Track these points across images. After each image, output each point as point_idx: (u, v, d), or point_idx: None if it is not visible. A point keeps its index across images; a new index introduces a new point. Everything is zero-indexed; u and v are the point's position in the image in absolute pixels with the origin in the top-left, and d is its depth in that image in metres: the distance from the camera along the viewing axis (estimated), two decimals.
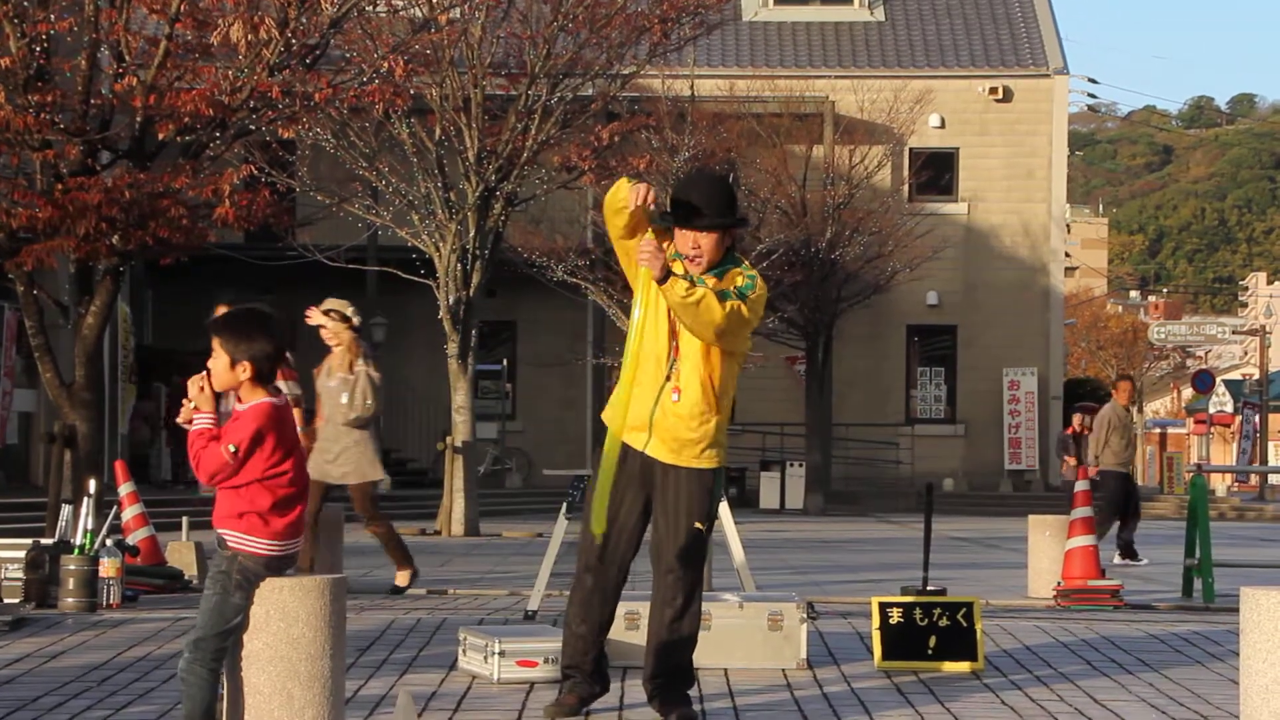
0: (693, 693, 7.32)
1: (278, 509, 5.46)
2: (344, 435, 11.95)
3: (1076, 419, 27.13)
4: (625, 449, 6.49)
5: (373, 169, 22.38)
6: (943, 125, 37.60)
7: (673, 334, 6.42)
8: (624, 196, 6.31)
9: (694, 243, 6.43)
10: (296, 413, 11.46)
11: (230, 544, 5.45)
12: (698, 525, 6.48)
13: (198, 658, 5.46)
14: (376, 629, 9.52)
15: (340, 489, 12.29)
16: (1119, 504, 17.54)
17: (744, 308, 6.34)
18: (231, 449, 5.42)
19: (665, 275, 6.28)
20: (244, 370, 5.49)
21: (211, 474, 5.47)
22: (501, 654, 7.51)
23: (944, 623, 8.13)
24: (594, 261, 27.46)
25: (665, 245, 6.43)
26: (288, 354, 11.64)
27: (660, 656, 6.50)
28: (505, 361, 34.51)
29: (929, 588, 11.46)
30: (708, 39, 32.58)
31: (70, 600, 10.32)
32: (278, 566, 5.48)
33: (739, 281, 6.43)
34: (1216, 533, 14.35)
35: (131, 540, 12.03)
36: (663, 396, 6.42)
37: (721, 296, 6.28)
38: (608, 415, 6.58)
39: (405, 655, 8.47)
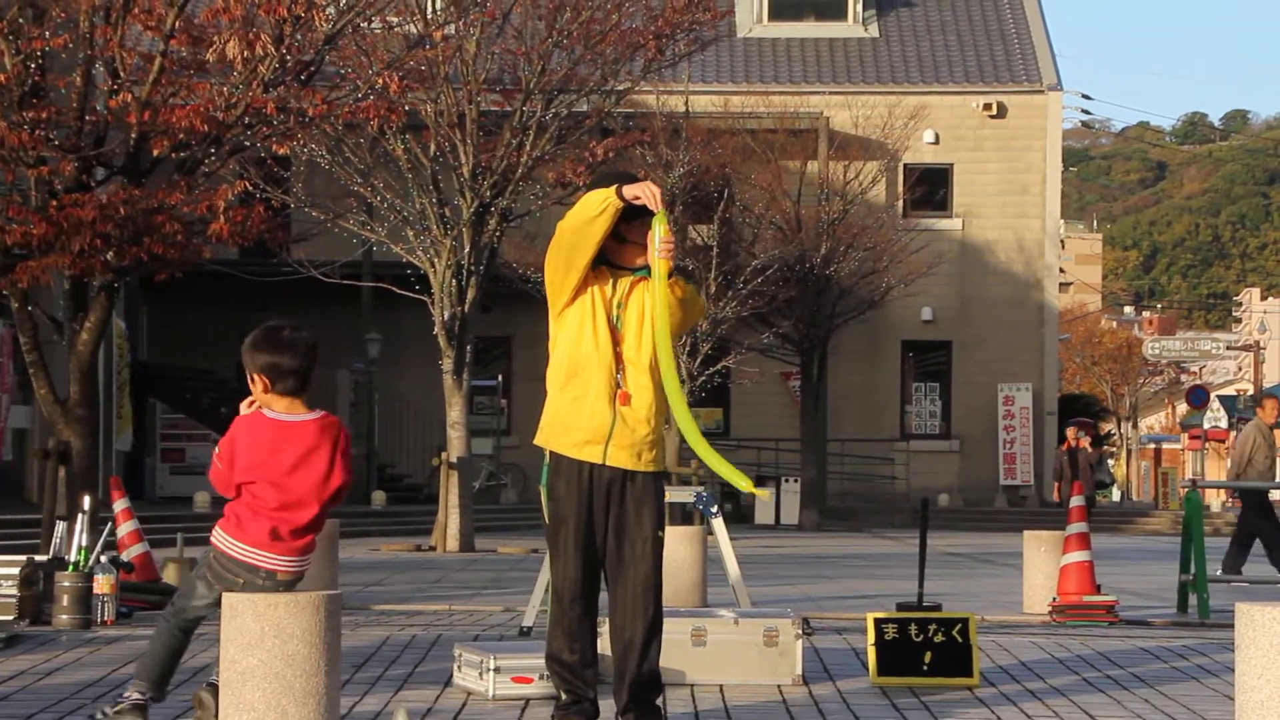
0: (688, 710, 7.32)
1: (257, 517, 5.52)
2: None
3: (1070, 432, 27.12)
4: (575, 467, 6.47)
5: (368, 185, 22.40)
6: (937, 141, 37.65)
7: (615, 340, 6.45)
8: (602, 200, 6.27)
9: (666, 237, 6.46)
10: None
11: (211, 539, 5.64)
12: (659, 534, 6.50)
13: (165, 614, 5.89)
14: (371, 645, 9.51)
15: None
16: (1271, 519, 16.80)
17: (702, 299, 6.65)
18: (216, 451, 5.67)
19: (674, 269, 6.39)
20: (256, 383, 5.68)
21: (214, 481, 5.77)
22: (496, 670, 7.50)
23: (939, 639, 8.13)
24: None
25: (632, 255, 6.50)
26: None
27: (635, 669, 6.48)
28: (500, 377, 34.53)
29: (924, 603, 11.50)
30: (702, 55, 32.55)
31: (64, 617, 10.30)
32: (247, 574, 5.51)
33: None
34: (1211, 548, 14.34)
35: (126, 556, 12.02)
36: (617, 404, 6.44)
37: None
38: (551, 437, 6.51)
39: (400, 672, 8.46)
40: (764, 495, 6.76)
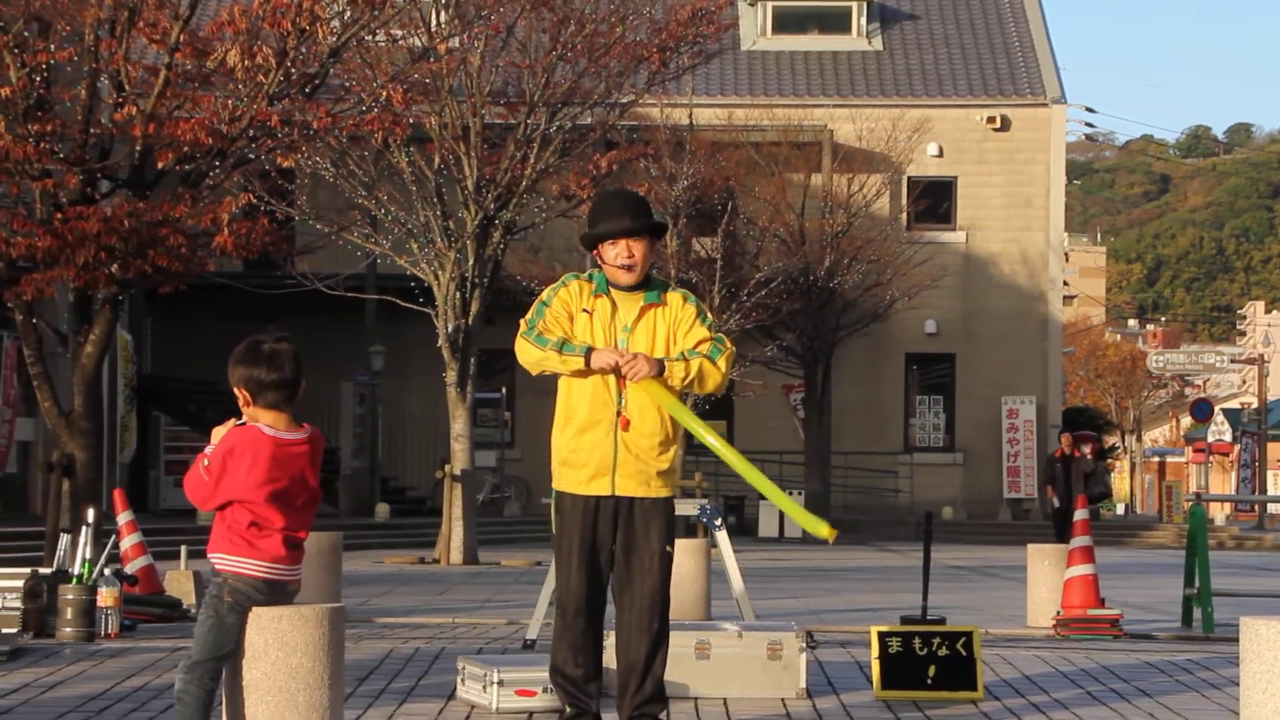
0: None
1: (263, 532, 5.47)
2: None
3: (1065, 439, 26.99)
4: (587, 502, 6.48)
5: (372, 197, 22.41)
6: (941, 154, 37.67)
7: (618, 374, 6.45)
8: (575, 364, 6.39)
9: (629, 251, 6.44)
10: None
11: (219, 567, 5.50)
12: (668, 549, 6.52)
13: (194, 678, 5.49)
14: (375, 658, 9.51)
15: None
16: None
17: (729, 350, 6.51)
18: (205, 464, 5.50)
19: (660, 369, 6.36)
20: (239, 396, 5.60)
21: (190, 491, 5.57)
22: (500, 683, 7.50)
23: (943, 652, 8.12)
24: None
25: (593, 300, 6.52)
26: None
27: (640, 682, 6.49)
28: (504, 389, 34.52)
29: (928, 617, 11.48)
30: (706, 68, 32.65)
31: (68, 630, 10.30)
32: (268, 591, 5.47)
33: (701, 329, 6.47)
34: (1215, 562, 14.34)
35: (130, 569, 12.02)
36: (618, 431, 6.44)
37: (713, 353, 6.43)
38: (562, 480, 6.55)
39: (404, 685, 8.46)
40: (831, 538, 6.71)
